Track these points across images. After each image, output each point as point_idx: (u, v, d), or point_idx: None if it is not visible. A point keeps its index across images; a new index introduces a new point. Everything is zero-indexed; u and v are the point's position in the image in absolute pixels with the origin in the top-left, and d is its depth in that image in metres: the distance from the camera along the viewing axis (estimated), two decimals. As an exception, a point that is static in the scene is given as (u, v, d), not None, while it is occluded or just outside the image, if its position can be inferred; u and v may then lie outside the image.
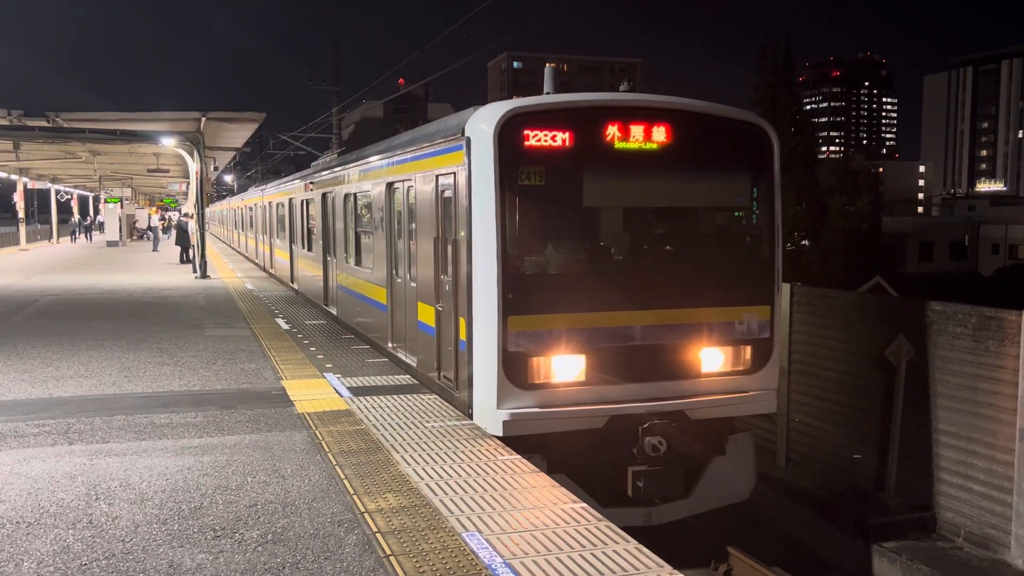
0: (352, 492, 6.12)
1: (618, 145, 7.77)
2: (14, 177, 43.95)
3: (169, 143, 25.80)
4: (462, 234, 7.91)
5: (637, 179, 8.01)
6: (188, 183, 35.32)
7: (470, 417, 7.97)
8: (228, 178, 76.94)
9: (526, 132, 7.50)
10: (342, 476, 6.48)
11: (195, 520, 5.64)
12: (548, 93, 8.82)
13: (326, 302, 16.22)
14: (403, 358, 10.47)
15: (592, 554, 4.99)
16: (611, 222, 8.39)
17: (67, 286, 22.76)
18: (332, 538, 5.32)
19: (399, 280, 10.53)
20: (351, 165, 13.41)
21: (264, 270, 27.72)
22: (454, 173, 8.15)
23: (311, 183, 17.59)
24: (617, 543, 5.14)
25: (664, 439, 7.68)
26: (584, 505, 5.81)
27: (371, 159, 11.90)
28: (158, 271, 28.55)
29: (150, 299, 19.48)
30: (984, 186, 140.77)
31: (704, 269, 8.28)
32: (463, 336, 7.99)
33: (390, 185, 10.70)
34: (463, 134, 7.88)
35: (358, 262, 13.08)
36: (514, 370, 7.48)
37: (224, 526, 5.53)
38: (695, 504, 8.26)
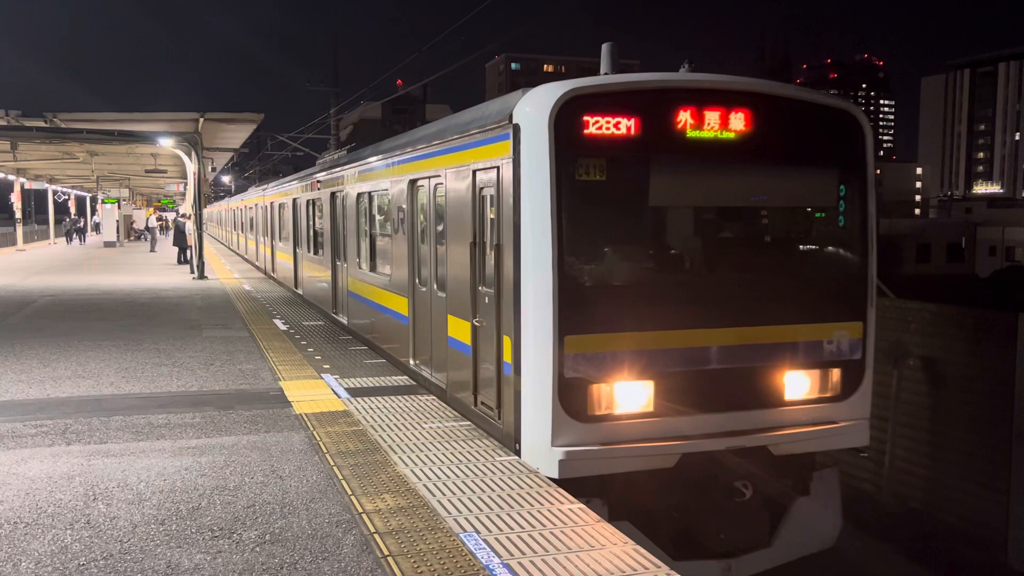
0: (350, 493, 6.12)
1: (690, 134, 6.71)
2: (11, 177, 43.89)
3: (167, 144, 25.79)
4: (507, 239, 6.88)
5: (712, 174, 6.95)
6: (186, 184, 35.33)
7: (515, 452, 6.90)
8: (226, 179, 76.94)
9: (586, 118, 6.43)
10: (340, 477, 6.49)
11: (193, 520, 5.65)
12: (606, 74, 7.58)
13: (335, 309, 15.18)
14: (428, 377, 9.39)
15: (590, 555, 5.00)
16: (682, 224, 7.26)
17: (65, 286, 22.74)
18: (330, 538, 5.32)
19: (423, 289, 9.47)
20: (365, 162, 12.30)
21: (265, 273, 26.79)
22: (497, 168, 7.10)
23: (318, 182, 16.46)
24: (615, 544, 5.15)
25: (748, 480, 6.81)
26: (582, 506, 5.81)
27: (390, 154, 10.81)
28: (155, 272, 28.53)
29: (148, 300, 19.46)
30: (981, 188, 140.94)
31: (789, 280, 7.27)
32: (507, 358, 6.94)
33: (413, 183, 9.67)
34: (510, 121, 6.80)
35: (373, 267, 12.12)
36: (572, 399, 6.42)
37: (222, 526, 5.54)
38: (779, 554, 7.18)
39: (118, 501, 6.02)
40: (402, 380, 10.14)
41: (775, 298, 7.05)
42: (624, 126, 6.51)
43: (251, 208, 32.05)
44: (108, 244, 48.74)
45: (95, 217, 65.79)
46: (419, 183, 9.49)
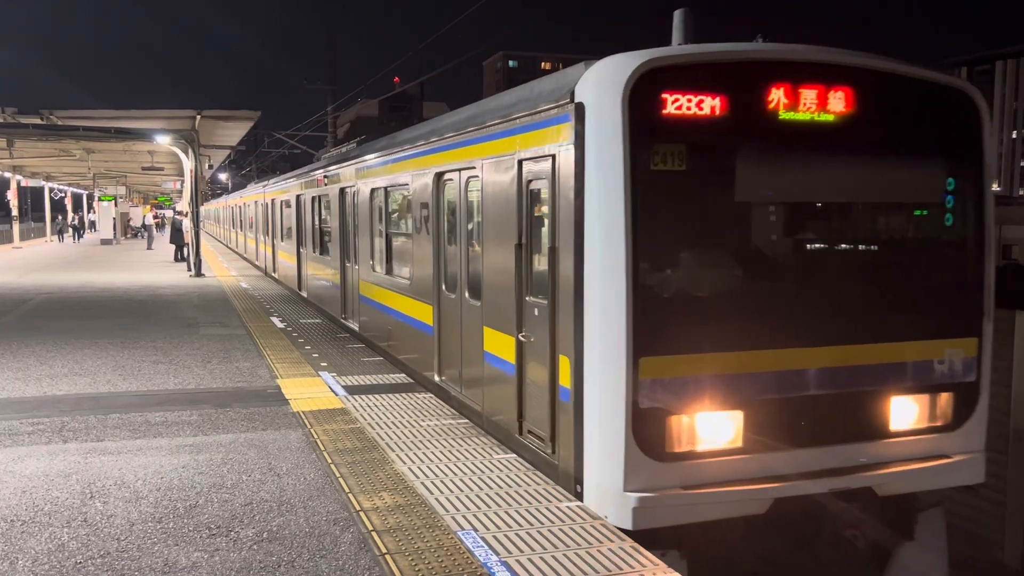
0: (348, 491, 6.12)
1: (784, 116, 5.69)
2: (7, 175, 43.82)
3: (164, 141, 25.76)
4: (565, 240, 5.87)
5: (808, 164, 5.93)
6: (183, 181, 35.28)
7: (576, 496, 5.84)
8: (223, 176, 76.84)
9: (664, 95, 5.39)
10: (337, 475, 6.48)
11: (190, 518, 5.64)
12: (681, 44, 6.53)
13: (344, 314, 14.06)
14: (458, 396, 8.36)
15: (588, 552, 5.00)
16: (773, 224, 6.08)
17: (62, 284, 22.70)
18: (328, 536, 5.32)
19: (451, 296, 8.52)
20: (380, 154, 11.32)
21: (265, 273, 25.99)
22: (551, 156, 6.07)
23: (325, 177, 15.42)
24: (612, 541, 5.15)
25: (854, 527, 5.91)
26: (580, 504, 5.81)
27: (411, 145, 9.78)
28: (152, 269, 28.49)
29: (145, 297, 19.44)
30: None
31: (896, 289, 6.17)
32: (565, 381, 5.95)
33: (440, 176, 8.68)
34: (571, 100, 5.75)
35: (389, 270, 11.09)
36: (648, 434, 5.42)
37: (219, 524, 5.53)
38: None
39: (115, 499, 6.01)
40: (400, 378, 10.13)
41: (881, 311, 6.04)
42: (708, 106, 5.49)
43: (251, 205, 31.12)
44: (105, 242, 48.67)
45: (91, 214, 65.58)
46: (447, 176, 8.56)
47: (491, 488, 6.14)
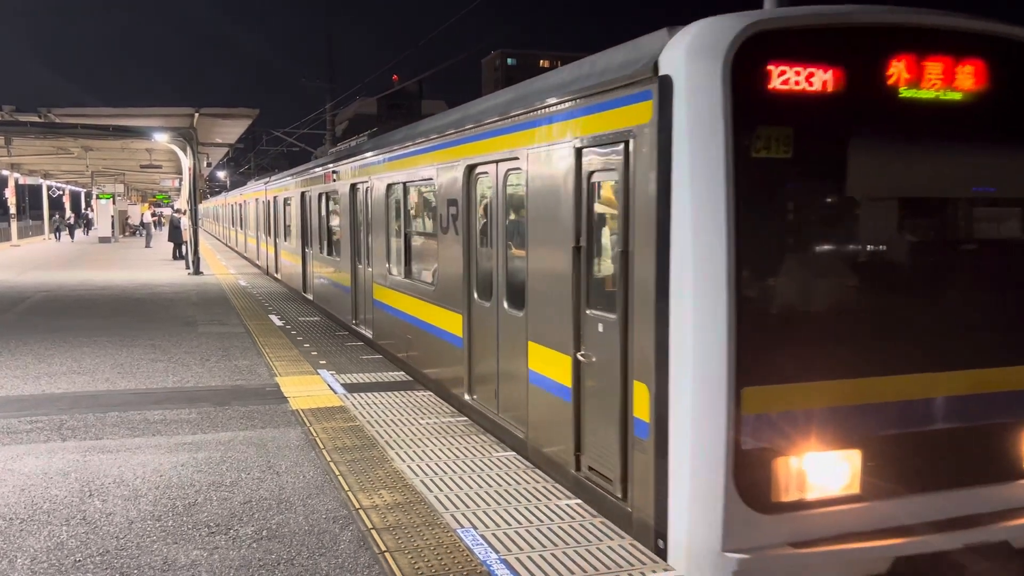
0: (347, 489, 6.11)
1: (904, 93, 4.77)
2: (5, 172, 43.78)
3: (162, 139, 25.75)
4: (642, 243, 4.92)
5: (934, 151, 4.98)
6: (181, 179, 35.25)
7: (658, 553, 4.88)
8: (221, 174, 76.80)
9: (771, 67, 4.50)
10: (337, 473, 6.48)
11: (189, 516, 5.63)
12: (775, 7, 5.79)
13: (355, 319, 13.16)
14: (494, 419, 7.48)
15: (587, 550, 5.00)
16: (896, 224, 5.13)
17: (60, 282, 22.69)
18: (327, 534, 5.31)
19: (486, 305, 7.62)
20: (398, 146, 10.35)
21: (267, 274, 25.13)
22: (625, 142, 5.11)
23: (334, 172, 14.48)
24: (612, 539, 5.15)
25: None
26: (579, 501, 5.81)
27: (436, 135, 8.82)
28: (151, 267, 28.47)
29: (143, 295, 19.43)
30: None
31: None
32: (641, 413, 5.01)
33: (472, 169, 7.82)
34: (654, 73, 4.78)
35: (408, 273, 10.26)
36: (751, 481, 4.50)
37: (218, 522, 5.52)
38: None
39: (114, 497, 6.00)
40: (398, 376, 10.12)
41: (1018, 327, 5.14)
42: (819, 80, 4.59)
43: (251, 203, 30.36)
44: (103, 240, 48.63)
45: (89, 212, 65.47)
46: (481, 169, 7.67)
47: (490, 486, 6.14)
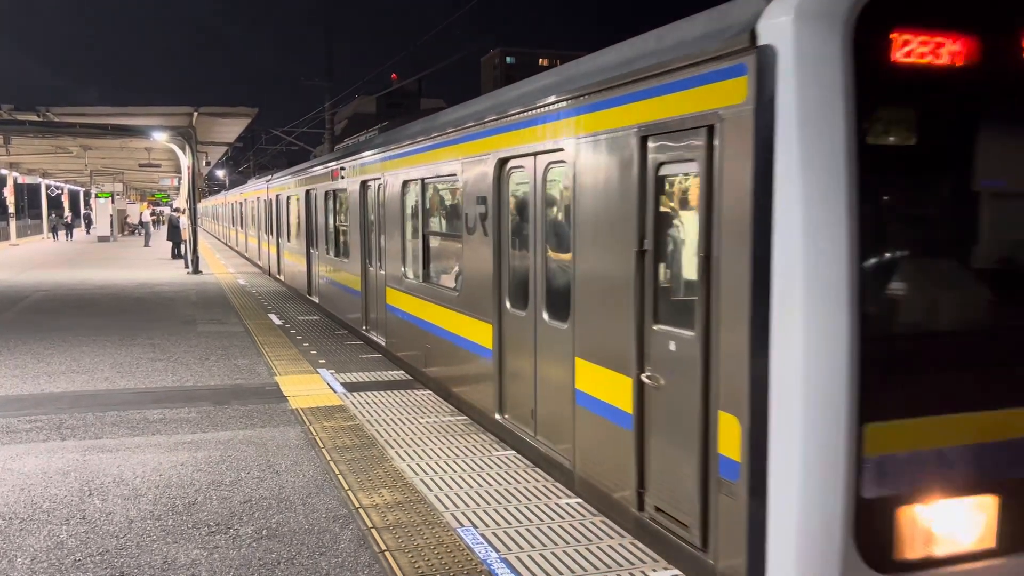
0: (347, 488, 6.11)
1: None
2: (4, 171, 43.74)
3: (161, 138, 25.73)
4: (734, 247, 4.10)
5: None
6: (180, 178, 35.23)
7: None
8: (220, 173, 76.80)
9: (894, 35, 3.78)
10: (336, 472, 6.48)
11: (189, 516, 5.63)
12: None
13: (367, 325, 12.35)
14: (532, 443, 6.70)
15: (587, 548, 5.00)
16: None
17: (59, 282, 22.67)
18: (327, 534, 5.31)
19: (521, 314, 6.90)
20: (416, 140, 9.54)
21: (269, 274, 24.46)
22: (709, 127, 4.29)
23: (342, 169, 13.63)
24: (612, 538, 5.15)
25: None
26: (579, 500, 5.81)
27: (460, 127, 8.09)
28: (150, 267, 28.46)
29: (142, 295, 19.42)
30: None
31: None
32: (730, 451, 4.21)
33: (505, 163, 7.10)
34: (751, 43, 3.96)
35: (427, 277, 9.57)
36: (872, 535, 3.81)
37: (218, 522, 5.52)
38: None
39: (114, 496, 6.00)
40: (398, 375, 10.11)
41: None
42: (947, 51, 3.85)
43: (252, 202, 29.58)
44: (102, 239, 48.61)
45: (87, 211, 65.34)
46: (516, 162, 6.92)
47: (490, 485, 6.14)
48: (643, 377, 5.00)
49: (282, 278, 21.85)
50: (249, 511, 5.71)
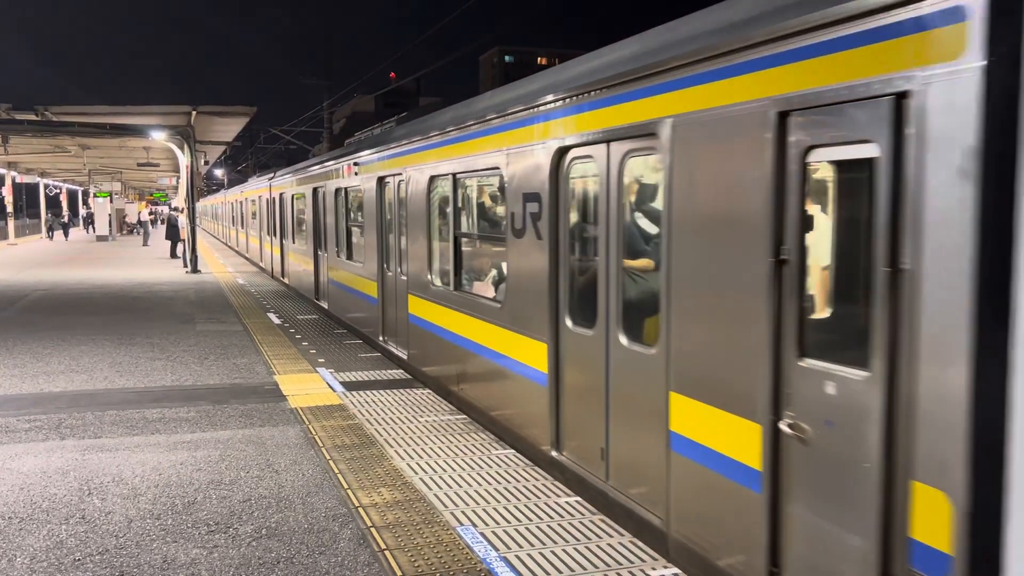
0: (346, 487, 6.11)
1: None
2: (2, 171, 43.69)
3: (159, 137, 25.70)
4: (946, 258, 3.08)
5: None
6: (178, 177, 35.21)
7: None
8: (219, 172, 76.76)
9: None
10: (336, 471, 6.48)
11: (188, 515, 5.63)
12: None
13: (384, 336, 11.39)
14: (604, 488, 5.61)
15: (587, 547, 5.00)
16: None
17: (57, 281, 22.65)
18: (327, 532, 5.31)
19: (586, 334, 5.84)
20: (447, 131, 8.42)
21: (273, 277, 23.49)
22: (897, 95, 3.27)
23: (354, 164, 12.53)
24: (612, 536, 5.15)
25: None
26: (579, 499, 5.81)
27: (503, 113, 7.01)
28: (148, 266, 28.44)
29: (141, 294, 19.41)
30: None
31: None
32: (929, 536, 3.20)
33: (564, 153, 6.03)
34: None
35: (459, 285, 8.47)
36: None
37: (218, 521, 5.52)
38: None
39: (113, 496, 6.00)
40: (397, 374, 10.11)
41: None
42: None
43: (253, 201, 28.45)
44: (101, 238, 48.58)
45: (86, 210, 65.19)
46: (579, 152, 5.87)
47: (490, 484, 6.14)
48: (781, 425, 3.89)
49: (287, 281, 20.92)
50: (248, 510, 5.71)
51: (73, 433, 7.64)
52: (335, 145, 36.39)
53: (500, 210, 7.57)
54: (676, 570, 4.69)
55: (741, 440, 4.18)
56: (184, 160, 26.25)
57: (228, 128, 30.07)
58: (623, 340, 5.39)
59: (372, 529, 5.32)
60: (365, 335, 12.38)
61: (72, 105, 25.31)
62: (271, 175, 24.72)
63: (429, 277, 9.24)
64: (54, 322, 14.64)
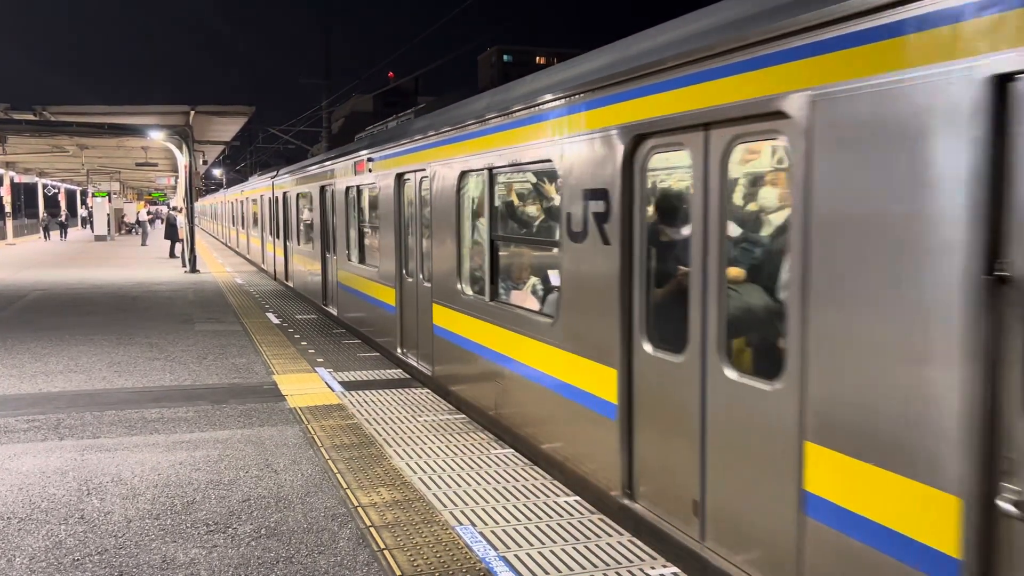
0: (345, 486, 6.12)
1: None
2: (0, 171, 43.63)
3: (158, 137, 25.69)
4: None
5: None
6: (177, 177, 35.20)
7: None
8: (217, 172, 76.73)
9: None
10: (335, 470, 6.48)
11: (188, 515, 5.63)
12: None
13: (404, 348, 10.43)
14: (693, 546, 4.67)
15: (586, 546, 5.00)
16: None
17: (56, 281, 22.64)
18: (326, 532, 5.31)
19: (672, 360, 4.85)
20: (483, 120, 7.43)
21: (276, 280, 22.49)
22: None
23: (369, 160, 11.62)
24: (611, 535, 5.15)
25: None
26: (578, 498, 5.82)
27: (563, 94, 5.92)
28: (147, 266, 28.43)
29: (139, 294, 19.40)
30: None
31: None
32: None
33: (641, 140, 5.06)
34: None
35: (495, 295, 7.43)
36: None
37: (217, 521, 5.52)
38: None
39: (112, 496, 6.00)
40: (395, 373, 10.11)
41: None
42: None
43: (255, 200, 27.39)
44: (99, 238, 48.56)
45: (83, 210, 65.08)
46: (664, 139, 4.88)
47: (489, 483, 6.14)
48: (1000, 503, 2.93)
49: (291, 284, 19.89)
50: (248, 510, 5.71)
51: (72, 433, 7.64)
52: (334, 144, 36.30)
53: (551, 210, 6.79)
54: (675, 569, 4.69)
55: (923, 516, 3.18)
56: (182, 160, 26.24)
57: (226, 128, 30.08)
58: (728, 371, 4.35)
59: (371, 528, 5.33)
60: (380, 346, 11.44)
61: (70, 105, 25.32)
62: (273, 173, 23.81)
63: (459, 285, 8.23)
64: (53, 322, 14.63)
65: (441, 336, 8.84)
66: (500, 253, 7.57)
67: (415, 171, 9.64)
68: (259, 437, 7.48)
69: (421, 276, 9.64)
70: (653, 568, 4.69)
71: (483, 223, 7.73)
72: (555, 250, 6.33)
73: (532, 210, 7.52)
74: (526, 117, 6.61)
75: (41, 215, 56.12)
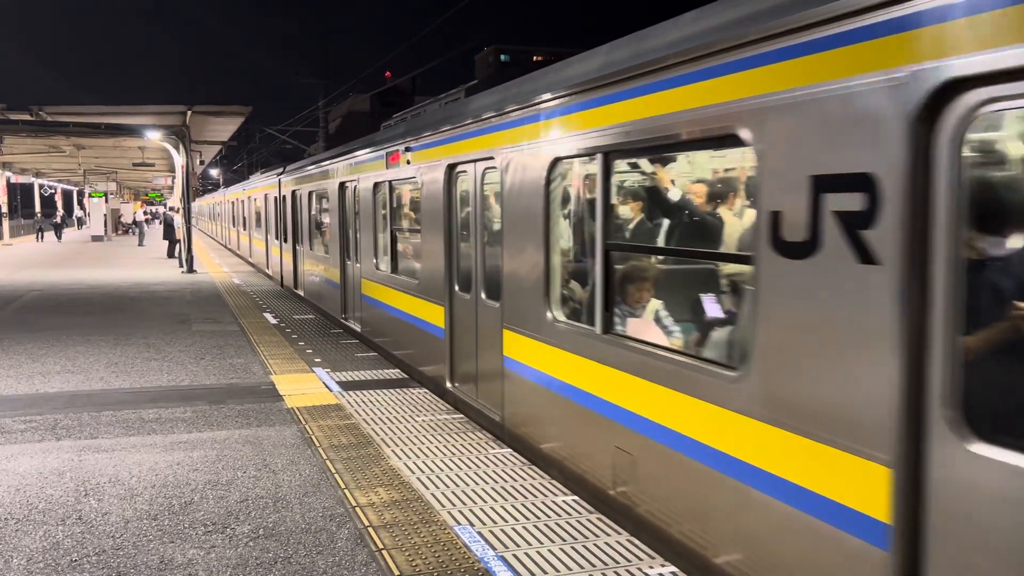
0: (343, 486, 6.11)
1: None
2: (-3, 171, 43.57)
3: (154, 137, 25.67)
4: None
5: None
6: (174, 177, 35.16)
7: None
8: (214, 172, 76.65)
9: None
10: (333, 470, 6.47)
11: (186, 515, 5.62)
12: None
13: (455, 381, 8.62)
14: None
15: (584, 546, 5.00)
16: None
17: (53, 281, 22.61)
18: (324, 532, 5.31)
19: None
20: (600, 84, 5.34)
21: (283, 286, 20.78)
22: None
23: (406, 149, 9.77)
24: (609, 535, 5.15)
25: None
26: (576, 497, 5.81)
27: (752, 38, 3.85)
28: (144, 266, 28.40)
29: (137, 294, 19.38)
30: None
31: None
32: None
33: (952, 93, 2.91)
34: None
35: (609, 326, 5.49)
36: None
37: (215, 521, 5.51)
38: None
39: (110, 496, 5.98)
40: (393, 373, 10.10)
41: None
42: None
43: (258, 200, 25.63)
44: (96, 238, 48.50)
45: (78, 211, 64.99)
46: (988, 94, 2.84)
47: (487, 483, 6.14)
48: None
49: (301, 293, 18.14)
50: (246, 510, 5.70)
51: (69, 434, 7.63)
52: (331, 144, 36.22)
53: (726, 210, 5.23)
54: (674, 568, 4.69)
55: None
56: (179, 160, 26.21)
57: (223, 128, 30.06)
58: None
59: (369, 529, 5.32)
60: (425, 376, 9.40)
61: (67, 105, 25.29)
62: (280, 170, 21.67)
63: (549, 311, 6.28)
64: (50, 322, 14.60)
65: (518, 373, 6.90)
66: (614, 267, 5.57)
67: (476, 160, 7.77)
68: (257, 437, 7.47)
69: (482, 294, 7.81)
70: (651, 567, 4.69)
71: (591, 228, 5.73)
72: (723, 266, 4.88)
73: (684, 210, 5.62)
74: (693, 72, 4.40)
75: (37, 216, 55.82)
